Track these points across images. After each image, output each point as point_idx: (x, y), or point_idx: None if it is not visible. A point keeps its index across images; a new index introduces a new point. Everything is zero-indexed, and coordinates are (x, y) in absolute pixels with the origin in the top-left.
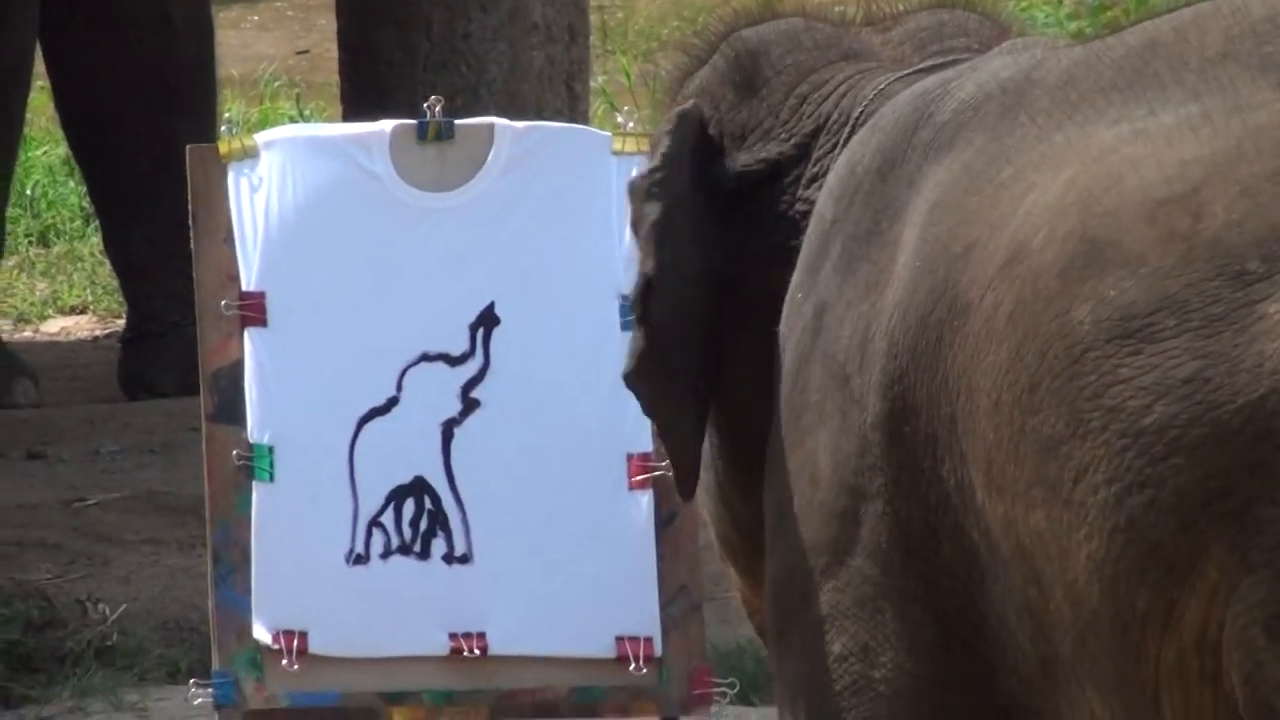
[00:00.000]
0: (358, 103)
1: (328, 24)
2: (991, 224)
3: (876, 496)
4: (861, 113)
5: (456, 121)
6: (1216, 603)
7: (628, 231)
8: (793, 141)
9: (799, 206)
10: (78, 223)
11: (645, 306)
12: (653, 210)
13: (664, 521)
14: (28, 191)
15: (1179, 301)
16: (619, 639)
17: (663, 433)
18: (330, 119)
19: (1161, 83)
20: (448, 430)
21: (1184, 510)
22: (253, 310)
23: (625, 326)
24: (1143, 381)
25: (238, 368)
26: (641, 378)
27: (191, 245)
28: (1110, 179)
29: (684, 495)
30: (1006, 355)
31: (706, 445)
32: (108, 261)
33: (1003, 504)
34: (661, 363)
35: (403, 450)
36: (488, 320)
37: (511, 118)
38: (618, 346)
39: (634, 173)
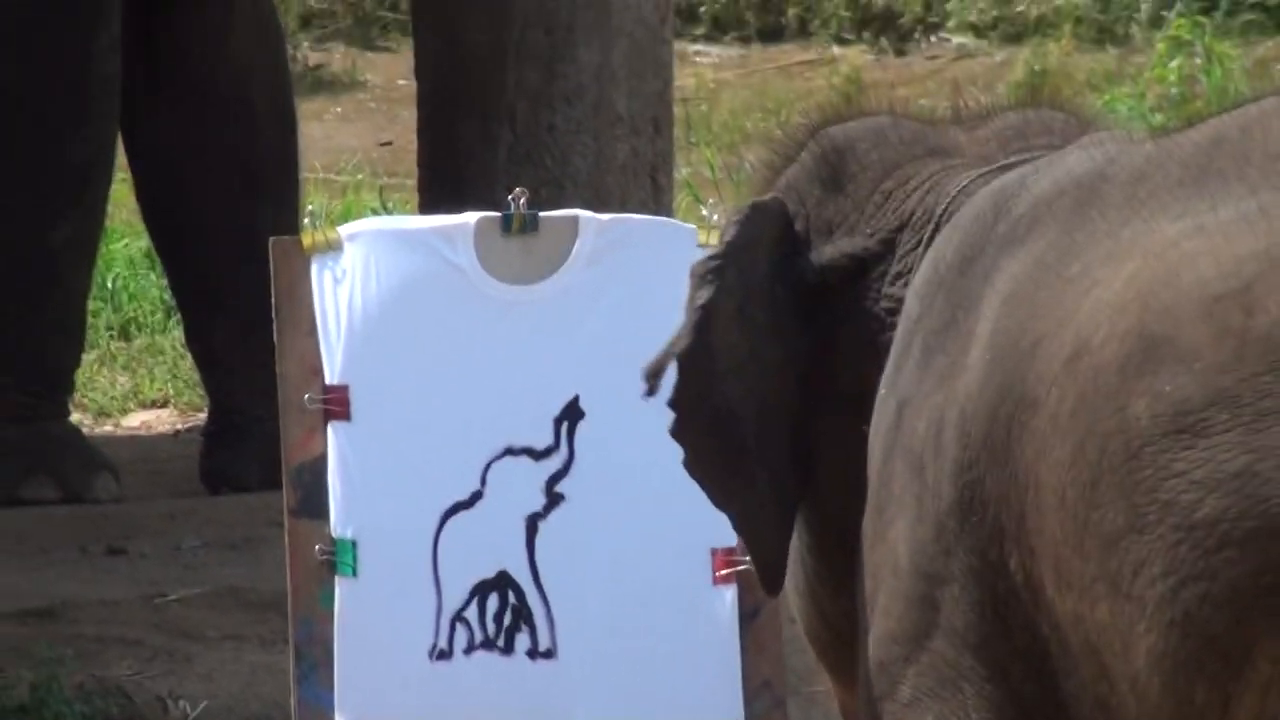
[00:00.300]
0: (435, 194)
1: (410, 116)
2: (1058, 319)
3: (952, 581)
4: (945, 209)
5: (541, 214)
6: (1270, 696)
7: None
8: (877, 238)
9: (884, 303)
10: (159, 315)
11: (654, 381)
12: (703, 295)
13: (748, 616)
14: (109, 284)
15: (1231, 396)
16: None
17: (739, 526)
18: (413, 210)
19: (1225, 178)
20: (532, 524)
21: (1236, 603)
22: (336, 404)
23: None
24: (1195, 476)
25: (321, 462)
26: (695, 468)
27: (274, 338)
28: (1169, 275)
29: (767, 589)
30: (1070, 451)
31: (796, 542)
32: (189, 354)
33: (1071, 599)
34: (722, 451)
35: (486, 544)
36: (572, 414)
37: (596, 210)
38: None
39: None
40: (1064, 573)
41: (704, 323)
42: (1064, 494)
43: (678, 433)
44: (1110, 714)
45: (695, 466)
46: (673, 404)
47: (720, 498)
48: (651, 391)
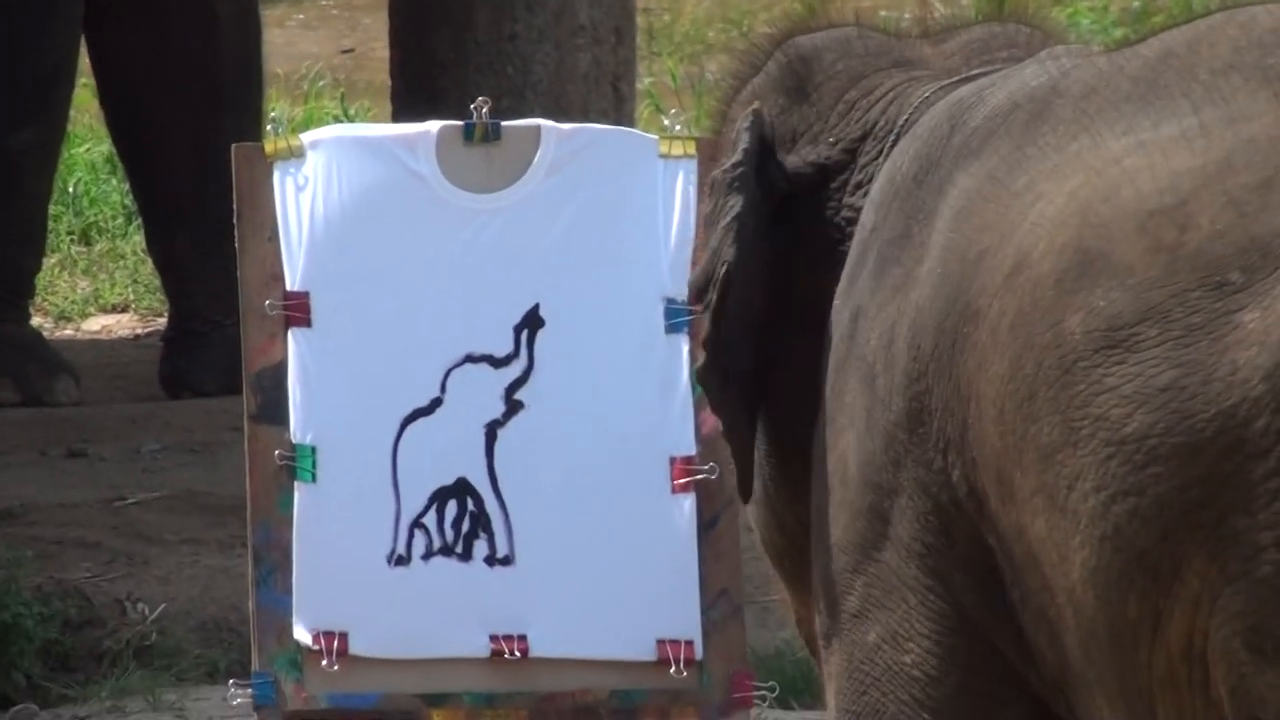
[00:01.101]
0: (409, 102)
1: (372, 23)
2: (1002, 232)
3: (899, 492)
4: (906, 120)
5: (503, 123)
6: (1200, 612)
7: (674, 234)
8: (840, 146)
9: (845, 213)
10: (120, 220)
11: (723, 299)
12: (736, 202)
13: (706, 525)
14: (70, 189)
15: (1162, 311)
16: (660, 642)
17: (725, 432)
18: (375, 119)
19: (1170, 94)
20: (491, 432)
21: (1164, 519)
22: (297, 310)
23: (670, 330)
24: (1125, 390)
25: (281, 368)
26: (712, 373)
27: (235, 244)
28: (1108, 190)
29: (743, 496)
30: (1008, 364)
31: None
32: (150, 259)
33: (1012, 511)
34: (721, 362)
35: (446, 451)
36: (532, 322)
37: (557, 119)
38: (662, 350)
39: (681, 176)
40: (1004, 485)
41: (743, 230)
42: (1003, 407)
43: (710, 341)
44: (1050, 625)
45: (703, 373)
46: (715, 314)
47: (713, 404)
48: (705, 305)
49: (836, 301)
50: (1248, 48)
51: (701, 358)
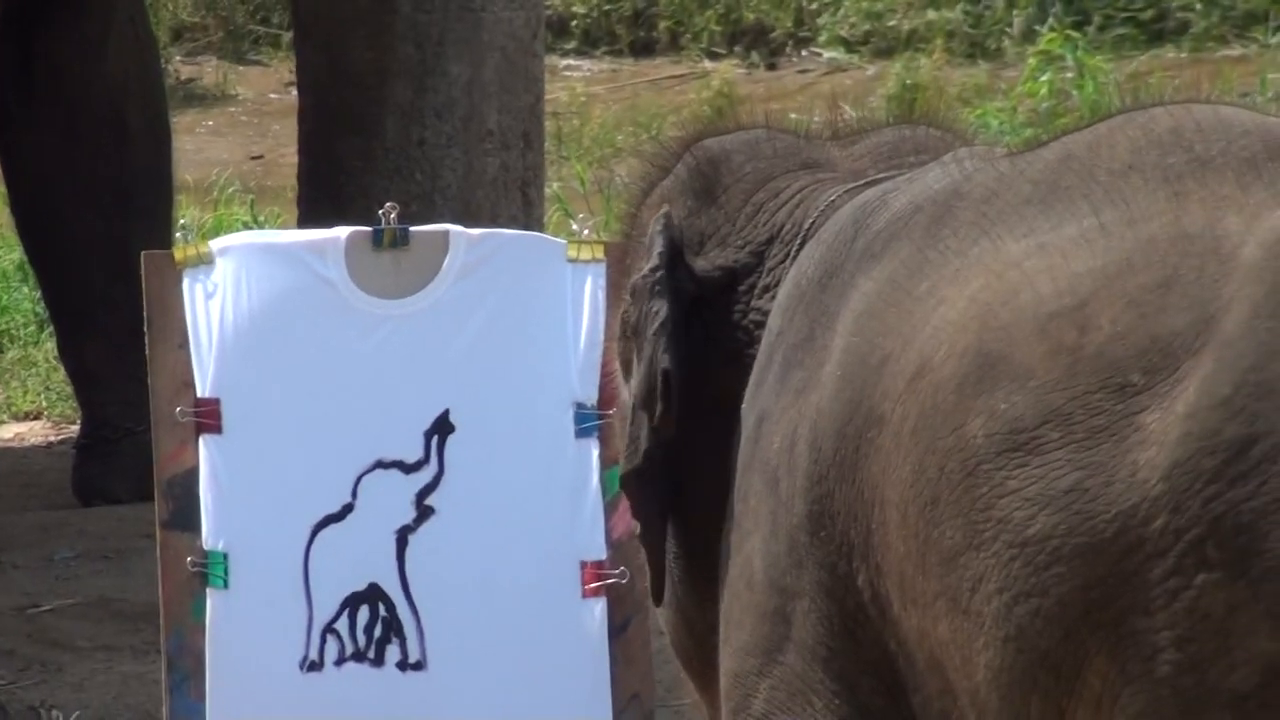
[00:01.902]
0: (315, 209)
1: (281, 129)
2: (905, 337)
3: (803, 595)
4: (812, 223)
5: (411, 228)
6: (1101, 712)
7: (583, 338)
8: (748, 249)
9: (753, 315)
10: (32, 328)
11: (668, 405)
12: (660, 307)
13: (617, 629)
14: None
15: (1064, 414)
16: None
17: (640, 534)
18: (285, 224)
19: (1070, 196)
20: (402, 537)
21: (1066, 619)
22: (208, 417)
23: (580, 434)
24: (1028, 493)
25: (192, 474)
26: (641, 476)
27: (146, 351)
28: (1008, 293)
29: (655, 599)
30: (911, 468)
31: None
32: (62, 367)
33: (915, 614)
34: (652, 466)
35: (357, 557)
36: (442, 427)
37: (466, 224)
38: (572, 455)
39: (589, 279)
40: (908, 589)
41: (674, 333)
42: (906, 511)
43: (649, 448)
44: None
45: (637, 477)
46: (662, 421)
47: (633, 507)
48: (665, 417)
49: (744, 405)
50: (1147, 148)
51: (627, 461)
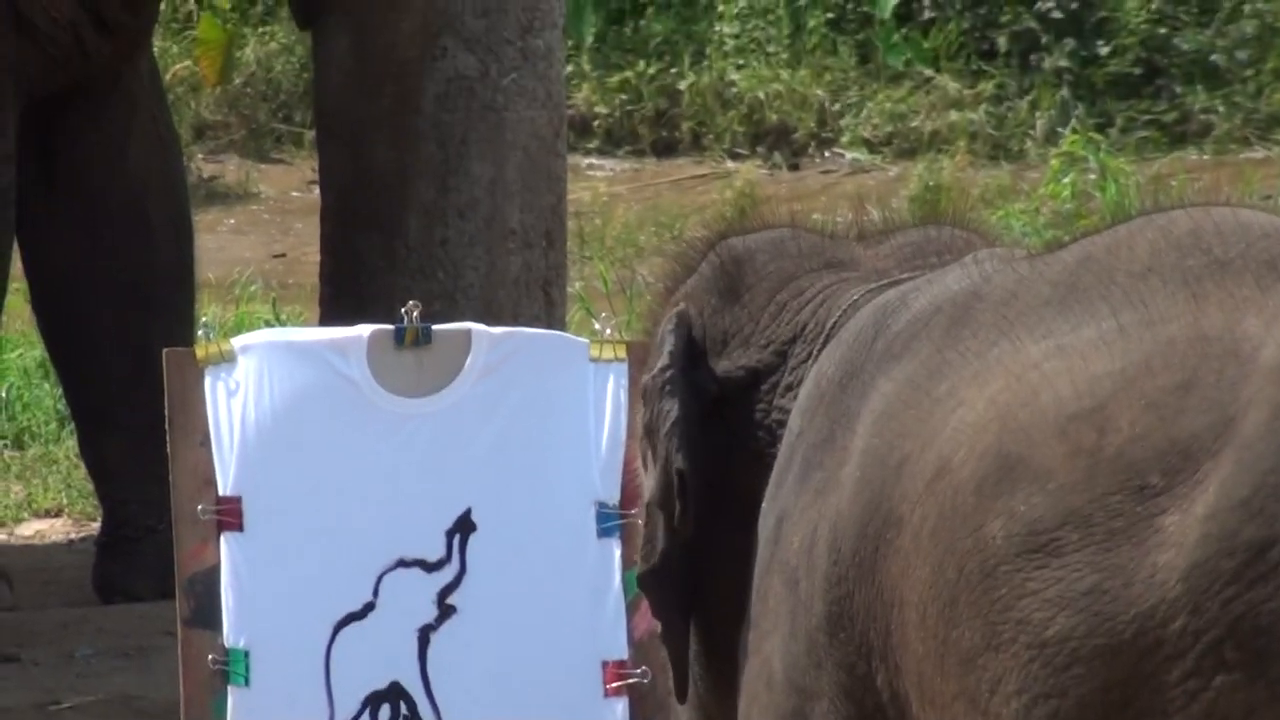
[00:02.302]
0: (337, 308)
1: (304, 227)
2: (924, 439)
3: (822, 695)
4: (835, 323)
5: (434, 327)
6: None
7: (605, 437)
8: (770, 349)
9: (775, 415)
10: (53, 425)
11: (685, 506)
12: (672, 407)
13: None
14: (3, 394)
15: (1083, 516)
16: None
17: (662, 634)
18: (307, 322)
19: (1089, 298)
20: (424, 636)
21: None
22: (229, 515)
23: (602, 534)
24: (1048, 594)
25: (214, 573)
26: (659, 576)
27: (168, 449)
28: (1028, 395)
29: (679, 698)
30: (930, 569)
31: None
32: (83, 464)
33: (934, 716)
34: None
35: (379, 656)
36: (464, 526)
37: (488, 323)
38: (594, 554)
39: (612, 379)
40: (926, 690)
41: (687, 433)
42: (925, 612)
43: (666, 549)
44: None
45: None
46: (681, 521)
47: (654, 607)
48: (683, 518)
49: (764, 505)
50: (1165, 250)
51: (644, 561)
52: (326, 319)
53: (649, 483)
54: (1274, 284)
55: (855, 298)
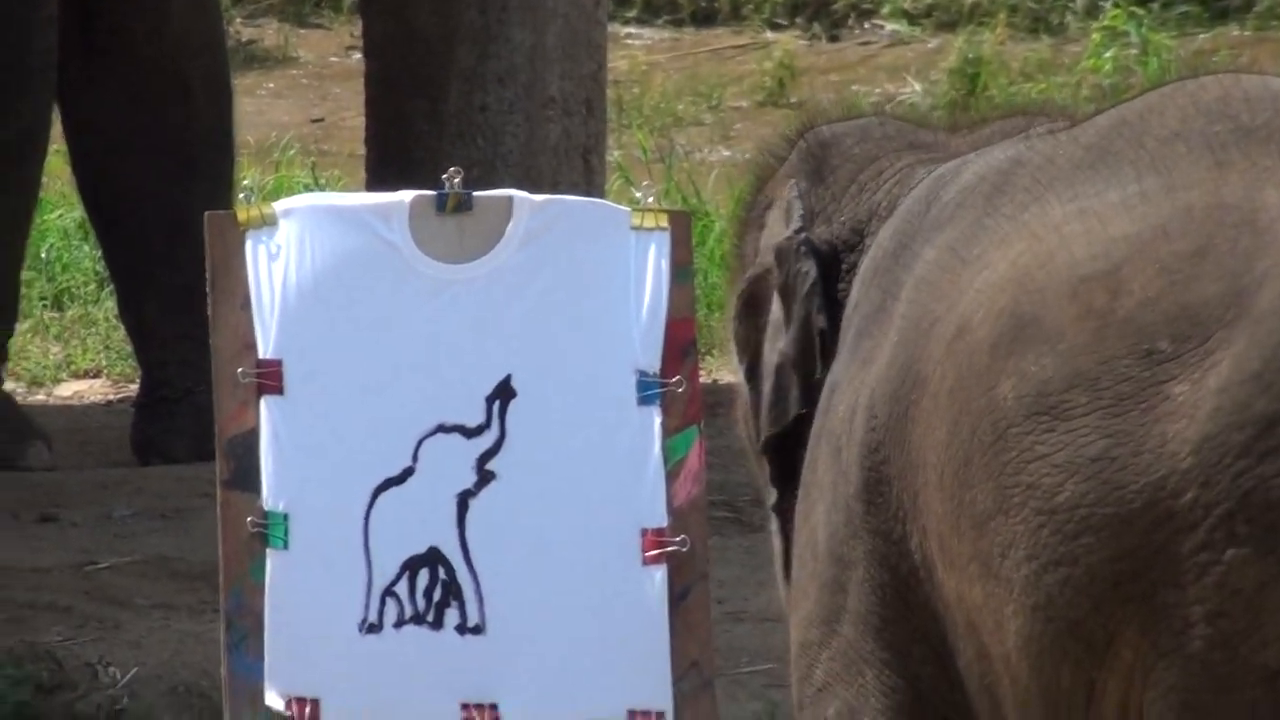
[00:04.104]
0: (384, 172)
1: (342, 92)
2: (951, 301)
3: (858, 564)
4: (903, 199)
5: (475, 193)
6: (1134, 685)
7: (646, 305)
8: (849, 226)
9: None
10: (92, 286)
11: (825, 364)
12: (809, 267)
13: (677, 597)
14: (43, 255)
15: (1091, 379)
16: (631, 713)
17: (775, 504)
18: (346, 187)
19: (1118, 162)
20: (463, 502)
21: (1096, 590)
22: (269, 378)
23: (642, 402)
24: (1056, 459)
25: (253, 435)
26: (791, 444)
27: (208, 311)
28: (1046, 257)
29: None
30: (947, 430)
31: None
32: (122, 326)
33: (954, 578)
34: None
35: (417, 520)
36: (504, 393)
37: (528, 190)
38: (634, 422)
39: (653, 248)
40: (946, 552)
41: (826, 292)
42: (943, 473)
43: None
44: (990, 693)
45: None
46: (814, 377)
47: (772, 472)
48: (811, 371)
49: (824, 377)
50: (1195, 115)
51: (774, 425)
52: (372, 183)
53: (780, 347)
54: None
55: (925, 176)
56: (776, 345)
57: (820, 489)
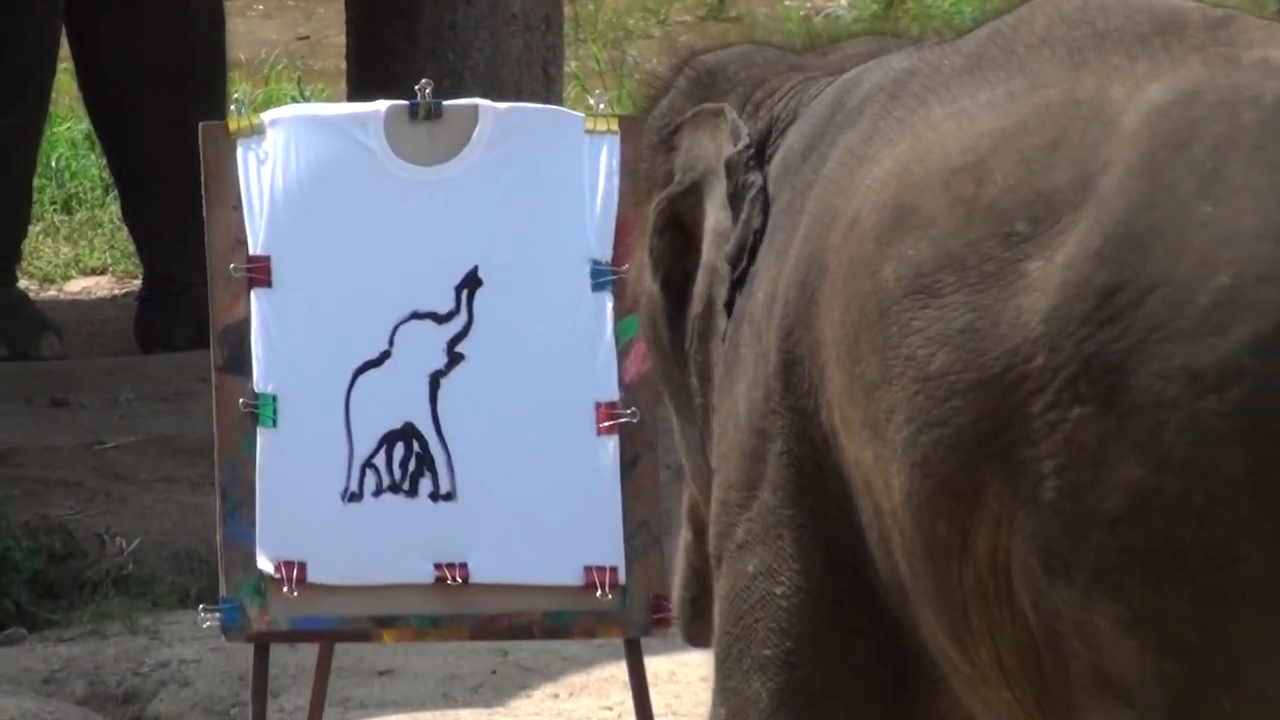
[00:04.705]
0: (364, 85)
1: (325, 12)
2: (848, 196)
3: (777, 436)
4: (803, 106)
5: (444, 102)
6: (1000, 532)
7: (599, 201)
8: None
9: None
10: (98, 192)
11: (752, 257)
12: (756, 179)
13: (628, 464)
14: (53, 163)
15: (959, 259)
16: (587, 568)
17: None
18: (328, 99)
19: (992, 66)
20: (434, 381)
21: (964, 449)
22: (259, 272)
23: (596, 288)
24: (929, 332)
25: (245, 324)
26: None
27: (203, 213)
28: (924, 152)
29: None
30: (840, 310)
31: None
32: (125, 227)
33: (852, 444)
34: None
35: (394, 398)
36: (472, 282)
37: (493, 99)
38: (588, 306)
39: (605, 149)
40: (845, 421)
41: (766, 201)
42: (839, 349)
43: (729, 301)
44: (886, 545)
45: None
46: (745, 276)
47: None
48: (740, 266)
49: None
50: (1058, 23)
51: (702, 320)
52: (354, 94)
53: (719, 244)
54: (1141, 54)
55: (821, 88)
56: (720, 250)
57: (743, 366)
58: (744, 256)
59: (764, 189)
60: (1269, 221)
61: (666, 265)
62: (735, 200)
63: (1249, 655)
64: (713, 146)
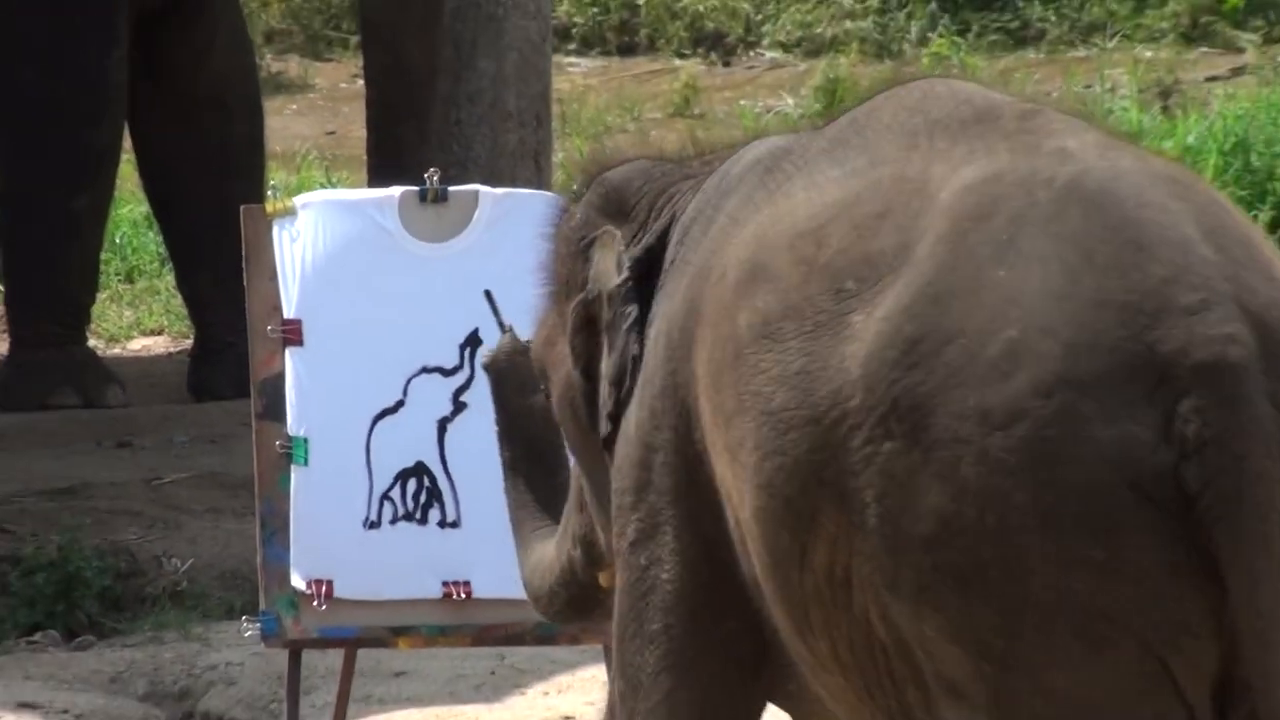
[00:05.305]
0: (381, 173)
1: (350, 111)
2: (721, 253)
3: (660, 449)
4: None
5: (450, 188)
6: (839, 549)
7: None
8: (657, 235)
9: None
10: (156, 264)
11: (632, 380)
12: (632, 310)
13: None
14: (117, 240)
15: (797, 310)
16: None
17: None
18: (352, 185)
19: (845, 147)
20: (442, 426)
21: (800, 475)
22: (292, 333)
23: None
24: (772, 373)
25: (280, 377)
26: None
27: (244, 282)
28: (779, 218)
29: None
30: (708, 350)
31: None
32: (179, 295)
33: (718, 463)
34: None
35: (407, 441)
36: (474, 341)
37: (491, 186)
38: None
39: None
40: (712, 442)
41: (641, 330)
42: (706, 382)
43: (612, 411)
44: (744, 548)
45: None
46: (626, 396)
47: (572, 444)
48: (622, 387)
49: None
50: (900, 111)
51: (601, 429)
52: (373, 182)
53: (604, 366)
54: (961, 139)
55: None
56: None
57: (636, 396)
58: (625, 379)
59: (639, 319)
60: (1051, 283)
61: (585, 358)
62: (612, 330)
63: (1043, 655)
64: (612, 268)
